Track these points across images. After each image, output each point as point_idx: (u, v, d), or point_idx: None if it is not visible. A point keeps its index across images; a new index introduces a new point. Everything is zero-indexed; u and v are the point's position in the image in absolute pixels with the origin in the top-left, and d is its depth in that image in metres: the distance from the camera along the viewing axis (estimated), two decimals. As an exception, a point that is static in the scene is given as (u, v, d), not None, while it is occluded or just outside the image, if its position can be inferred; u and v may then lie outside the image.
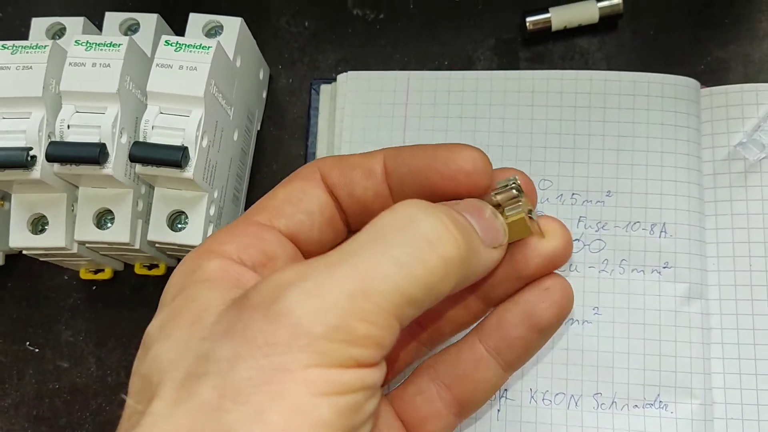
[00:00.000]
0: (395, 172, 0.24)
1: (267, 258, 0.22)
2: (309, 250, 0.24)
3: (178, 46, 0.32)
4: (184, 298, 0.21)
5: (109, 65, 0.31)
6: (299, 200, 0.24)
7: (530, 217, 0.24)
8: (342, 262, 0.19)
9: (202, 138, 0.32)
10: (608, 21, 0.42)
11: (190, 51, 0.32)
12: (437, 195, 0.24)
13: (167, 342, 0.20)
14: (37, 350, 0.40)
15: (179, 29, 0.37)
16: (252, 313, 0.19)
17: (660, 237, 0.37)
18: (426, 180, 0.24)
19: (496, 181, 0.24)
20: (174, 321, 0.20)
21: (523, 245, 0.24)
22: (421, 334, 0.27)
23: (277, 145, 0.42)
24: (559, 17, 0.41)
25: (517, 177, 0.24)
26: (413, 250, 0.19)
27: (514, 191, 0.23)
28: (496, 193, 0.24)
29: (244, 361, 0.18)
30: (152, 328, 0.21)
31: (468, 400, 0.25)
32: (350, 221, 0.25)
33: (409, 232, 0.20)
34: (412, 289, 0.19)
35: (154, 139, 0.31)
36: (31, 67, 0.32)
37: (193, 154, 0.31)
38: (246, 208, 0.40)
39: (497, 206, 0.24)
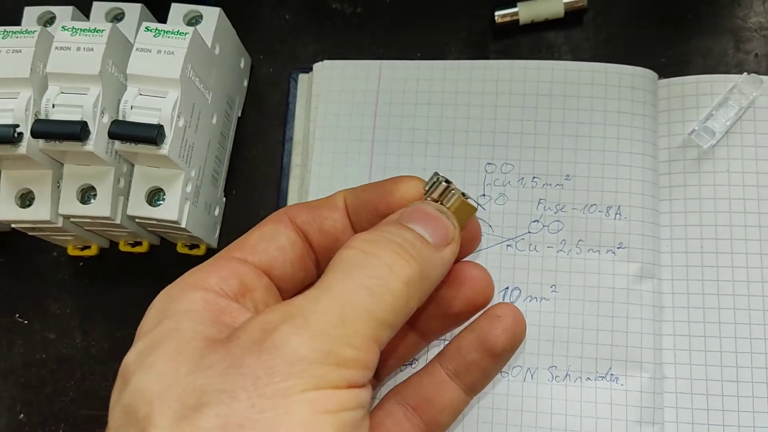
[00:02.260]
0: (353, 205, 0.27)
1: (246, 288, 0.24)
2: (283, 285, 0.26)
3: (157, 32, 0.34)
4: (165, 329, 0.21)
5: (92, 49, 0.34)
6: (272, 238, 0.26)
7: (467, 198, 0.26)
8: (320, 297, 0.21)
9: (178, 118, 0.34)
10: (574, 16, 0.44)
11: (168, 37, 0.34)
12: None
13: (151, 372, 0.20)
14: (26, 322, 0.42)
15: (163, 18, 0.39)
16: (244, 350, 0.20)
17: (615, 219, 0.39)
18: (374, 209, 0.26)
19: (423, 185, 0.26)
20: (156, 352, 0.21)
21: (449, 288, 0.27)
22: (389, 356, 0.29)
23: (257, 131, 0.44)
24: (526, 12, 0.43)
25: (438, 172, 0.26)
26: (379, 279, 0.21)
27: (443, 183, 0.25)
28: (428, 194, 0.26)
29: (245, 392, 0.19)
30: (130, 357, 0.21)
31: (433, 423, 0.27)
32: (320, 258, 0.27)
33: (371, 263, 0.22)
34: (384, 314, 0.21)
35: (132, 118, 0.33)
36: (20, 51, 0.34)
37: (168, 133, 0.33)
38: (226, 190, 0.43)
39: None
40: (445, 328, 0.28)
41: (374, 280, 0.21)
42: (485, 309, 0.28)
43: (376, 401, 0.29)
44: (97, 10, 0.39)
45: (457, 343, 0.27)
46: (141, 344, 0.21)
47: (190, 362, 0.20)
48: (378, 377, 0.30)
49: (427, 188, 0.26)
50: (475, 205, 0.26)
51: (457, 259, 0.26)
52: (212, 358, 0.20)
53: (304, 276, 0.27)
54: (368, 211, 0.26)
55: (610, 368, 0.37)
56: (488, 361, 0.27)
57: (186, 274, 0.24)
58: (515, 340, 0.27)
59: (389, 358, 0.29)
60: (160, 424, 0.19)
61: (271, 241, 0.26)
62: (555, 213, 0.39)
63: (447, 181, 0.25)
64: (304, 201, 0.29)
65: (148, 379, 0.20)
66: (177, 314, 0.22)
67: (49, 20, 0.39)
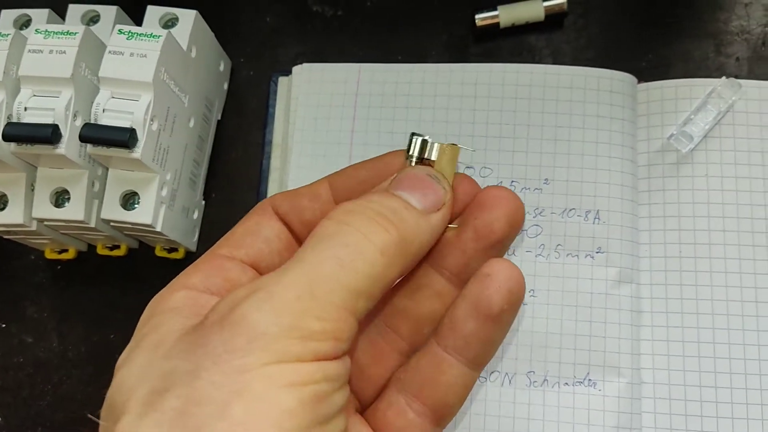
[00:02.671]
0: (342, 188, 0.26)
1: (230, 284, 0.24)
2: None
3: (130, 34, 0.34)
4: (150, 326, 0.22)
5: (65, 52, 0.34)
6: (257, 231, 0.25)
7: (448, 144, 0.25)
8: (288, 270, 0.20)
9: (151, 121, 0.34)
10: (555, 19, 0.44)
11: (141, 39, 0.34)
12: None
13: (130, 366, 0.21)
14: (3, 325, 0.42)
15: (139, 21, 0.39)
16: (209, 328, 0.20)
17: (594, 223, 0.39)
18: (373, 187, 0.25)
19: (404, 151, 0.25)
20: (138, 348, 0.21)
21: (483, 213, 0.24)
22: (399, 343, 0.26)
23: (237, 134, 0.44)
24: (506, 15, 0.43)
25: (414, 132, 0.25)
26: (351, 247, 0.21)
27: (420, 139, 0.25)
28: (409, 157, 0.25)
29: (205, 370, 0.19)
30: (120, 358, 0.22)
31: (440, 405, 0.25)
32: None
33: (345, 232, 0.21)
34: (357, 283, 0.20)
35: (104, 121, 0.33)
36: (-7, 54, 0.34)
37: (141, 136, 0.33)
38: (205, 193, 0.43)
39: (422, 162, 0.25)
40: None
41: (345, 249, 0.21)
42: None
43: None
44: (73, 12, 0.39)
45: (450, 316, 0.24)
46: (130, 345, 0.22)
47: (165, 349, 0.20)
48: (414, 351, 0.27)
49: (408, 151, 0.25)
50: (456, 145, 0.25)
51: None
52: (183, 341, 0.20)
53: None
54: (365, 191, 0.25)
55: (588, 373, 0.37)
56: (488, 328, 0.24)
57: (176, 278, 0.24)
58: (513, 297, 0.24)
59: (424, 322, 0.26)
60: (129, 410, 0.19)
61: (256, 235, 0.25)
62: (534, 217, 0.39)
63: (420, 135, 0.25)
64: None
65: (127, 372, 0.20)
66: (160, 313, 0.22)
67: (25, 23, 0.39)
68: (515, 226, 0.25)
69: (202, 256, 0.25)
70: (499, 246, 0.25)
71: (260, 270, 0.25)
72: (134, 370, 0.20)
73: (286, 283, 0.20)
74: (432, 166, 0.25)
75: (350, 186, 0.26)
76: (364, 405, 0.26)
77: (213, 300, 0.22)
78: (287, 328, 0.19)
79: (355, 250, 0.21)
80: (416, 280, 0.26)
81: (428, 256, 0.25)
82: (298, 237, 0.26)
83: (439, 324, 0.25)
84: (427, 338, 0.25)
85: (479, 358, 0.25)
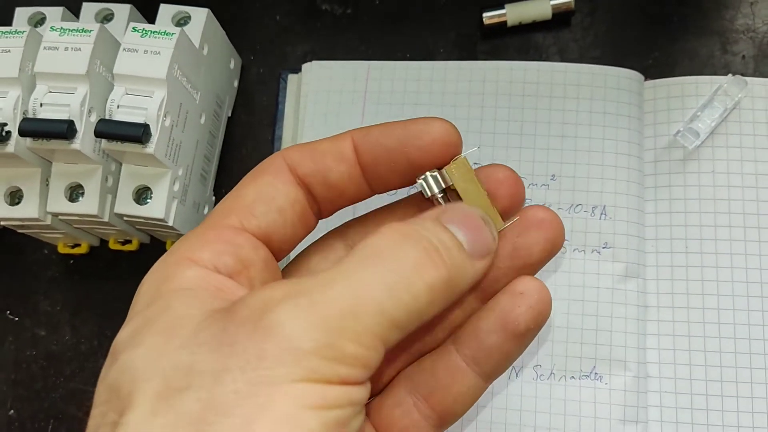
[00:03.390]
0: (368, 153, 0.24)
1: (242, 265, 0.22)
2: (281, 247, 0.24)
3: (144, 32, 0.34)
4: (159, 307, 0.20)
5: (80, 49, 0.34)
6: (271, 198, 0.23)
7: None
8: (333, 282, 0.19)
9: (164, 117, 0.34)
10: (561, 17, 0.44)
11: (155, 37, 0.34)
12: (413, 168, 0.24)
13: (139, 350, 0.19)
14: (16, 319, 0.43)
15: (152, 19, 0.39)
16: (239, 326, 0.18)
17: (600, 219, 0.39)
18: (402, 156, 0.24)
19: (455, 134, 0.24)
20: (147, 329, 0.19)
21: (525, 233, 0.24)
22: (411, 343, 0.26)
23: (247, 131, 0.45)
24: (513, 13, 0.44)
25: (417, 175, 0.24)
26: (400, 276, 0.20)
27: (428, 176, 0.24)
28: (431, 198, 0.24)
29: (230, 374, 0.18)
30: (121, 336, 0.20)
31: (446, 412, 0.25)
32: (323, 209, 0.25)
33: (397, 258, 0.20)
34: (398, 314, 0.19)
35: (119, 117, 0.34)
36: (9, 51, 0.35)
37: (154, 132, 0.34)
38: (215, 189, 0.43)
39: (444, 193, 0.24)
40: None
41: (396, 277, 0.19)
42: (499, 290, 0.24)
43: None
44: (87, 10, 0.39)
45: (475, 326, 0.24)
46: (134, 323, 0.20)
47: (182, 336, 0.19)
48: (423, 354, 0.26)
49: (425, 196, 0.24)
50: (462, 156, 0.24)
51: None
52: (206, 334, 0.19)
53: (304, 232, 0.25)
54: (393, 160, 0.23)
55: (595, 367, 0.37)
56: (511, 344, 0.24)
57: (175, 245, 0.22)
58: (540, 318, 0.24)
59: (441, 329, 0.26)
60: (139, 403, 0.18)
61: (269, 202, 0.23)
62: (540, 213, 0.39)
63: (432, 175, 0.24)
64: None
65: (135, 355, 0.19)
66: (170, 293, 0.21)
67: (39, 21, 0.40)
68: (554, 252, 0.25)
69: (208, 221, 0.23)
70: (533, 268, 0.25)
71: (271, 243, 0.23)
72: (144, 355, 0.19)
73: (330, 296, 0.19)
74: (455, 189, 0.24)
75: (376, 153, 0.24)
76: None
77: (227, 281, 0.21)
78: (322, 347, 0.18)
79: (405, 281, 0.20)
80: None
81: None
82: (319, 200, 0.25)
83: (460, 331, 0.25)
84: (441, 342, 0.25)
85: (494, 371, 0.25)
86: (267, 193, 0.23)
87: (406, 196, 0.27)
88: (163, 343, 0.19)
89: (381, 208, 0.27)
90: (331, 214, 0.26)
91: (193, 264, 0.21)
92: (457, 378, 0.24)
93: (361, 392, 0.19)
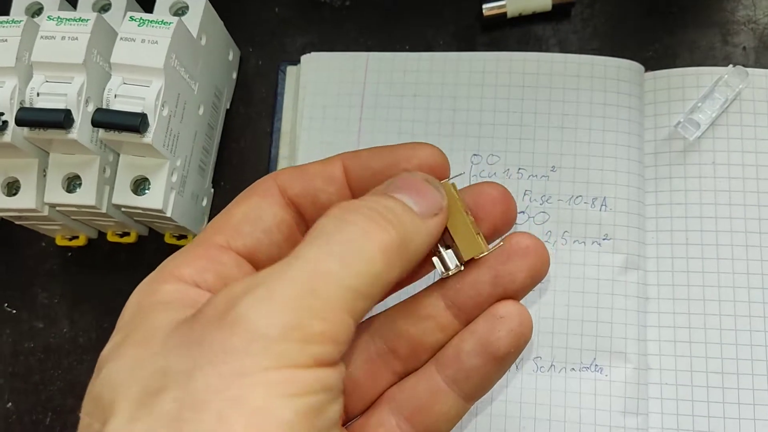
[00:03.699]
0: (357, 175, 0.25)
1: (223, 282, 0.22)
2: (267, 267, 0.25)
3: (141, 21, 0.34)
4: (137, 320, 0.21)
5: (77, 38, 0.34)
6: (257, 218, 0.24)
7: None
8: (287, 266, 0.19)
9: (162, 107, 0.34)
10: (561, 9, 0.44)
11: (153, 26, 0.34)
12: None
13: (118, 361, 0.20)
14: (14, 311, 0.42)
15: (150, 9, 0.39)
16: (205, 325, 0.19)
17: (600, 210, 0.39)
18: (388, 178, 0.24)
19: (440, 153, 0.24)
20: (126, 341, 0.20)
21: (508, 261, 0.24)
22: (395, 364, 0.26)
23: (246, 123, 0.45)
24: (513, 5, 0.43)
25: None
26: (351, 245, 0.20)
27: None
28: None
29: (201, 370, 0.18)
30: (105, 351, 0.21)
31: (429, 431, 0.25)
32: None
33: (345, 230, 0.20)
34: (357, 283, 0.20)
35: (116, 106, 0.33)
36: (6, 40, 0.34)
37: (152, 121, 0.33)
38: (214, 181, 0.43)
39: None
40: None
41: (345, 246, 0.20)
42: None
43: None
44: (84, 0, 0.39)
45: (456, 347, 0.25)
46: (116, 337, 0.21)
47: (157, 345, 0.19)
48: (406, 374, 0.27)
49: None
50: (448, 181, 0.24)
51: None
52: (176, 337, 0.19)
53: None
54: (379, 181, 0.24)
55: (595, 359, 0.37)
56: (490, 367, 0.24)
57: (164, 262, 0.23)
58: (520, 342, 0.24)
59: (423, 350, 0.26)
60: (120, 410, 0.18)
61: (255, 223, 0.24)
62: (540, 204, 0.39)
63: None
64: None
65: (117, 366, 0.20)
66: (149, 306, 0.21)
67: (37, 11, 0.39)
68: (537, 280, 0.25)
69: (196, 239, 0.24)
70: (515, 295, 0.25)
71: (256, 263, 0.24)
72: (123, 365, 0.19)
73: (286, 279, 0.19)
74: None
75: (365, 176, 0.25)
76: (349, 417, 0.26)
77: (204, 295, 0.22)
78: (288, 329, 0.18)
79: (356, 248, 0.20)
80: (424, 309, 0.25)
81: (440, 284, 0.25)
82: (308, 220, 0.25)
83: (441, 352, 0.25)
84: (423, 363, 0.25)
85: (475, 393, 0.25)
86: (254, 214, 0.24)
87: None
88: (140, 353, 0.19)
89: None
90: None
91: (174, 279, 0.22)
92: (439, 398, 0.25)
93: (335, 375, 0.19)
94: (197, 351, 0.18)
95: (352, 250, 0.20)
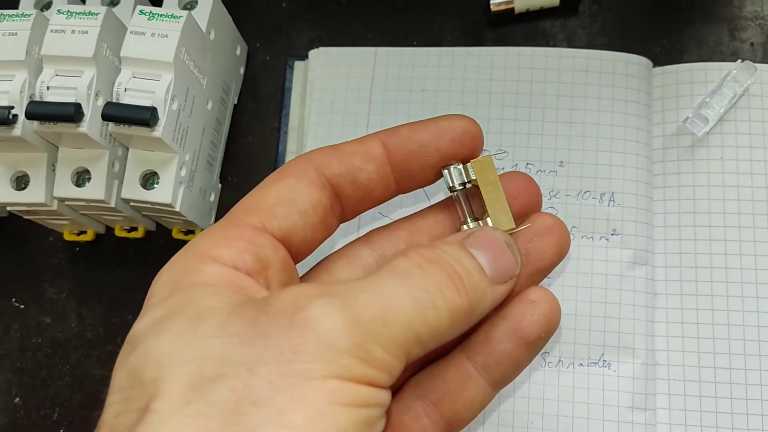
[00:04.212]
0: (399, 150, 0.24)
1: (261, 265, 0.22)
2: (300, 250, 0.24)
3: (151, 15, 0.34)
4: (183, 298, 0.20)
5: (87, 32, 0.34)
6: (293, 200, 0.23)
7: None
8: (364, 289, 0.20)
9: (171, 101, 0.34)
10: (569, 5, 0.44)
11: (162, 20, 0.34)
12: (445, 162, 0.25)
13: (164, 337, 0.19)
14: (22, 306, 0.42)
15: (158, 4, 0.39)
16: (272, 319, 0.19)
17: (609, 206, 0.39)
18: (434, 149, 0.24)
19: (459, 117, 0.25)
20: (171, 318, 0.19)
21: (536, 239, 0.25)
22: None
23: (254, 118, 0.45)
24: (521, 0, 0.43)
25: (442, 166, 0.25)
26: (427, 295, 0.20)
27: (453, 169, 0.25)
28: (452, 188, 0.25)
29: (265, 366, 0.18)
30: (140, 326, 0.20)
31: (455, 419, 0.25)
32: (347, 211, 0.25)
33: (423, 279, 0.21)
34: (422, 330, 0.20)
35: (126, 100, 0.33)
36: (16, 34, 0.34)
37: (162, 115, 0.33)
38: (221, 176, 0.43)
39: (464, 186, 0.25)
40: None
41: (423, 294, 0.20)
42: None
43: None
44: (93, -5, 0.39)
45: (486, 333, 0.25)
46: (154, 312, 0.20)
47: (212, 326, 0.19)
48: (423, 365, 0.27)
49: (448, 185, 0.25)
50: (490, 155, 0.25)
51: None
52: (237, 325, 0.19)
53: (324, 236, 0.25)
54: (426, 154, 0.24)
55: (603, 354, 0.37)
56: (521, 351, 0.25)
57: (194, 240, 0.22)
58: (550, 327, 0.25)
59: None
60: (169, 391, 0.18)
61: (291, 204, 0.23)
62: (549, 200, 0.39)
63: (456, 168, 0.25)
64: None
65: (161, 342, 0.19)
66: (193, 286, 0.21)
67: (46, 5, 0.39)
68: (562, 256, 0.25)
69: (229, 218, 0.23)
70: (543, 273, 0.25)
71: (291, 245, 0.23)
72: (171, 343, 0.19)
73: (363, 301, 0.19)
74: (477, 186, 0.25)
75: (409, 148, 0.24)
76: None
77: (247, 279, 0.21)
78: (354, 346, 0.19)
79: (431, 300, 0.20)
80: None
81: None
82: (345, 200, 0.25)
83: (471, 338, 0.25)
84: (448, 351, 0.26)
85: (503, 378, 0.25)
86: (289, 195, 0.23)
87: (425, 198, 0.27)
88: (191, 331, 0.19)
89: (407, 217, 0.27)
90: (354, 217, 0.26)
91: (213, 261, 0.21)
92: (468, 384, 0.25)
93: (386, 397, 0.20)
94: (261, 344, 0.18)
95: (428, 300, 0.20)
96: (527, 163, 0.40)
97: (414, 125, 0.25)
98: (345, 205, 0.25)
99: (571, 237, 0.39)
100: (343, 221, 0.26)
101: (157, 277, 0.22)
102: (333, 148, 0.24)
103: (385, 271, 0.21)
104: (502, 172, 0.25)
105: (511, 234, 0.24)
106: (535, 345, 0.25)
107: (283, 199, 0.23)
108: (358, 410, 0.18)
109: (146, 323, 0.20)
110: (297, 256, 0.24)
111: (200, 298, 0.20)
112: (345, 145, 0.24)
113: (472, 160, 0.25)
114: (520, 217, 0.25)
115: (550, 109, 0.40)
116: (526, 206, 0.26)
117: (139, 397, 0.18)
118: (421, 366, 0.26)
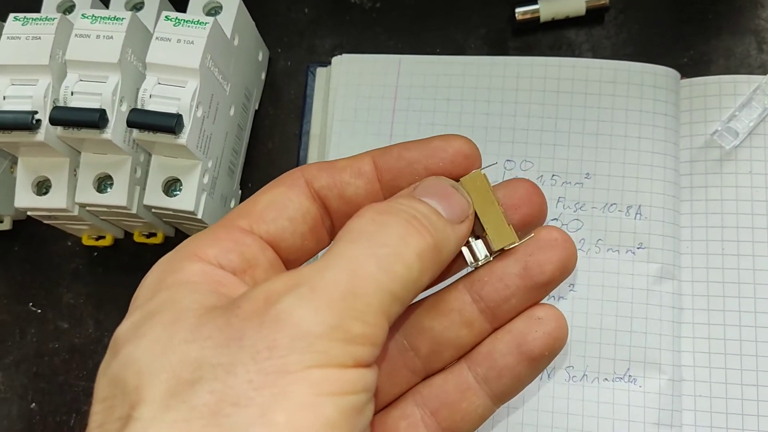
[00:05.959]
0: (389, 168, 0.24)
1: (247, 264, 0.22)
2: (290, 257, 0.24)
3: (177, 21, 0.34)
4: (162, 299, 0.20)
5: (112, 37, 0.34)
6: (283, 206, 0.24)
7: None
8: (327, 266, 0.19)
9: (196, 108, 0.34)
10: (595, 14, 0.43)
11: (188, 26, 0.34)
12: None
13: (142, 342, 0.19)
14: (39, 311, 0.42)
15: (182, 8, 0.39)
16: (244, 321, 0.18)
17: (635, 219, 0.38)
18: (423, 169, 0.24)
19: (473, 145, 0.24)
20: (149, 321, 0.19)
21: (537, 252, 0.24)
22: (415, 362, 0.25)
23: (274, 124, 0.44)
24: (547, 9, 0.43)
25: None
26: (390, 249, 0.20)
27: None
28: None
29: (243, 366, 0.18)
30: (122, 329, 0.20)
31: (453, 429, 0.25)
32: (336, 225, 0.25)
33: (383, 232, 0.20)
34: (395, 286, 0.20)
35: (151, 107, 0.33)
36: (39, 38, 0.34)
37: (187, 122, 0.33)
38: (242, 182, 0.43)
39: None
40: (523, 309, 0.25)
41: (385, 249, 0.20)
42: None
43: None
44: (117, -1, 0.39)
45: (490, 346, 0.24)
46: (135, 316, 0.20)
47: (185, 331, 0.19)
48: (426, 373, 0.26)
49: None
50: (480, 171, 0.24)
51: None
52: (210, 328, 0.19)
53: (315, 246, 0.25)
54: (414, 172, 0.24)
55: (628, 369, 0.37)
56: (523, 367, 0.24)
57: (184, 242, 0.23)
58: (555, 346, 0.24)
59: (446, 348, 0.26)
60: (150, 398, 0.18)
61: (281, 210, 0.24)
62: (574, 212, 0.39)
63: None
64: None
65: (139, 348, 0.19)
66: (173, 285, 0.21)
67: (68, 8, 0.39)
68: (565, 273, 0.25)
69: (218, 222, 0.23)
70: (544, 288, 0.24)
71: (279, 250, 0.24)
72: (149, 349, 0.19)
73: (329, 279, 0.19)
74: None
75: (399, 167, 0.24)
76: None
77: (229, 277, 0.21)
78: (331, 329, 0.18)
79: (395, 252, 0.20)
80: (449, 303, 0.25)
81: (467, 278, 0.25)
82: (333, 214, 0.25)
83: (475, 350, 0.25)
84: (445, 362, 0.25)
85: (505, 394, 0.25)
86: (280, 202, 0.24)
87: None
88: (167, 336, 0.19)
89: None
90: None
91: (197, 259, 0.21)
92: (467, 396, 0.25)
93: (372, 375, 0.19)
94: (236, 346, 0.18)
95: (392, 254, 0.20)
96: (553, 175, 0.39)
97: (407, 144, 0.25)
98: (334, 218, 0.25)
99: (597, 250, 0.38)
100: (333, 236, 0.25)
101: (145, 277, 0.22)
102: (326, 163, 0.25)
103: (343, 238, 0.20)
104: (515, 179, 0.25)
105: (512, 247, 0.24)
106: (538, 362, 0.24)
107: (273, 204, 0.24)
108: (344, 398, 0.18)
109: (127, 326, 0.20)
110: (288, 263, 0.24)
111: (179, 298, 0.20)
112: (339, 160, 0.25)
113: (462, 178, 0.24)
114: (524, 228, 0.25)
115: (576, 120, 0.40)
116: (528, 216, 0.25)
117: (121, 406, 0.18)
118: (420, 378, 0.26)
